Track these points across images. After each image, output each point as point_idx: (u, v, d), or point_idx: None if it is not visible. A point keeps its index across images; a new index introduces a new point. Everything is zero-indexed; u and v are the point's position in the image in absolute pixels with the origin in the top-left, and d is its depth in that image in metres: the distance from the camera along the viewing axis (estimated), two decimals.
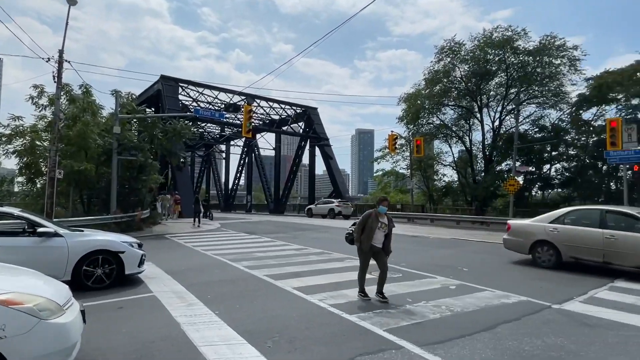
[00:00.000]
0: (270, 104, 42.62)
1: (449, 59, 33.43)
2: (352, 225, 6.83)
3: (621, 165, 22.42)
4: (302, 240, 15.27)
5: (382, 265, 6.38)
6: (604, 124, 23.72)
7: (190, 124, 26.89)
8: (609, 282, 7.90)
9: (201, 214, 23.72)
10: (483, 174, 34.38)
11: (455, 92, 34.42)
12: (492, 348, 4.40)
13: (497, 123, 34.37)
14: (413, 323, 5.26)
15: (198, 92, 38.53)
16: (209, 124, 47.33)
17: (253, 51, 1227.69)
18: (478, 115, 34.63)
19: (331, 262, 10.09)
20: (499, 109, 34.08)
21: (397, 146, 32.91)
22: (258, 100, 40.99)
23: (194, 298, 6.48)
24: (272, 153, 48.57)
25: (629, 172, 23.24)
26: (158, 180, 22.66)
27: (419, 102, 34.92)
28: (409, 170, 36.08)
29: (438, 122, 36.78)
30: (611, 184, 29.31)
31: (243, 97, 39.25)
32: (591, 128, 29.94)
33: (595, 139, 29.06)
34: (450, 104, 35.49)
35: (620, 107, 28.02)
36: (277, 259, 10.53)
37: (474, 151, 36.60)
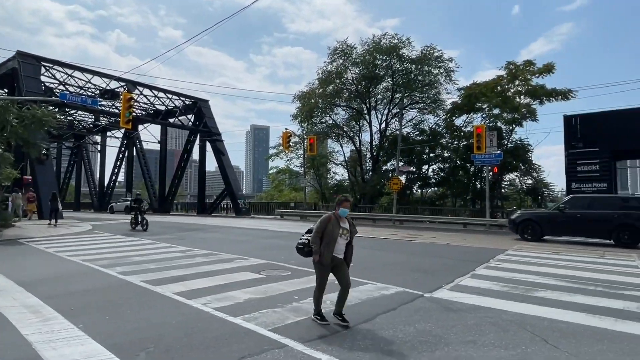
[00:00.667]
0: (156, 92, 38.95)
1: (341, 61, 34.86)
2: (307, 232, 5.40)
3: (484, 167, 25.68)
4: (189, 241, 14.47)
5: (345, 281, 5.22)
6: (472, 130, 26.90)
7: (56, 110, 23.65)
8: (472, 270, 8.89)
9: (58, 212, 21.17)
10: (371, 173, 36.60)
11: (347, 93, 36.04)
12: (371, 338, 4.58)
13: (383, 125, 36.94)
14: (299, 320, 5.24)
15: (67, 74, 33.35)
16: (80, 112, 41.90)
17: (136, 33, 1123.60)
18: (367, 117, 36.76)
19: (219, 263, 9.69)
20: (386, 112, 36.68)
21: (291, 144, 33.26)
22: (141, 88, 37.47)
23: (53, 312, 5.61)
24: (158, 147, 45.27)
25: (490, 173, 26.79)
26: (11, 175, 19.40)
27: (312, 101, 35.79)
28: (302, 168, 36.79)
29: (331, 121, 38.15)
30: (477, 183, 33.41)
31: (123, 84, 35.53)
32: (462, 133, 33.68)
33: (465, 143, 32.72)
34: (342, 104, 37.03)
35: (484, 115, 32.08)
36: (158, 262, 9.76)
37: (363, 151, 38.75)
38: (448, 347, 4.35)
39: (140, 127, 42.96)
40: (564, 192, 26.07)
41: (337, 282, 5.26)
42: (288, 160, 41.07)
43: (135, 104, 31.79)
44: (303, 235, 5.43)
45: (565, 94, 28.52)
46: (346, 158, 40.36)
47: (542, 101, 29.53)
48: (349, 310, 5.68)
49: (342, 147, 39.84)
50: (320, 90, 35.69)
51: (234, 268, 8.94)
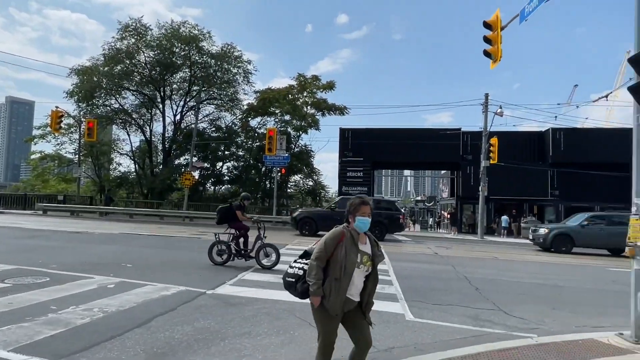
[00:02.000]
0: None
1: (133, 40, 31.66)
2: (303, 256, 3.26)
3: (274, 168, 27.57)
4: None
5: (364, 338, 3.11)
6: (265, 132, 28.47)
7: None
8: (255, 265, 9.36)
9: None
10: (162, 167, 34.45)
11: (139, 77, 33.01)
12: (143, 343, 4.28)
13: (178, 117, 35.33)
14: (54, 334, 4.45)
15: None
16: None
17: None
18: (160, 106, 34.49)
19: None
20: (182, 103, 35.21)
21: (63, 126, 28.30)
22: None
23: None
24: None
25: (279, 173, 28.91)
26: None
27: (95, 79, 31.29)
28: (77, 156, 31.63)
29: (117, 105, 34.22)
30: (267, 182, 35.50)
31: None
32: (256, 134, 35.32)
33: (258, 143, 34.43)
34: (132, 88, 33.69)
35: (277, 120, 34.44)
36: None
37: (154, 142, 36.16)
38: (224, 341, 4.47)
39: None
40: (337, 194, 30.41)
41: (349, 336, 3.16)
42: (58, 144, 34.48)
43: None
44: (296, 261, 3.27)
45: (342, 110, 33.33)
46: (134, 148, 36.76)
47: (324, 113, 33.74)
48: (121, 316, 5.18)
49: (129, 135, 36.09)
50: (106, 68, 31.49)
51: None
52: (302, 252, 3.29)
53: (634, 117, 5.30)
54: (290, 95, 33.04)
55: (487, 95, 24.91)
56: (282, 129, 32.51)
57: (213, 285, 7.10)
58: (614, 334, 5.12)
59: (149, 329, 4.73)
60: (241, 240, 9.47)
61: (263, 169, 34.33)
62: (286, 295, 6.41)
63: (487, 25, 9.92)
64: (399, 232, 19.79)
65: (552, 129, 28.01)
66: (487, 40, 9.91)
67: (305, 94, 33.49)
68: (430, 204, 46.31)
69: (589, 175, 25.97)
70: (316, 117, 33.73)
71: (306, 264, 3.10)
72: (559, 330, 5.54)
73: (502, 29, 9.75)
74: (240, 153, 36.74)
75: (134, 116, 34.85)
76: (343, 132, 30.24)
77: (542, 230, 17.63)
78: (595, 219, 17.58)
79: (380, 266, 11.29)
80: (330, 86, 32.96)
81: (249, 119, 35.63)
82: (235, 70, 34.44)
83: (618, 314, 6.37)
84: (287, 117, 33.55)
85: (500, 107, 24.30)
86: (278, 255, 9.08)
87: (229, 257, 9.30)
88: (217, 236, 9.39)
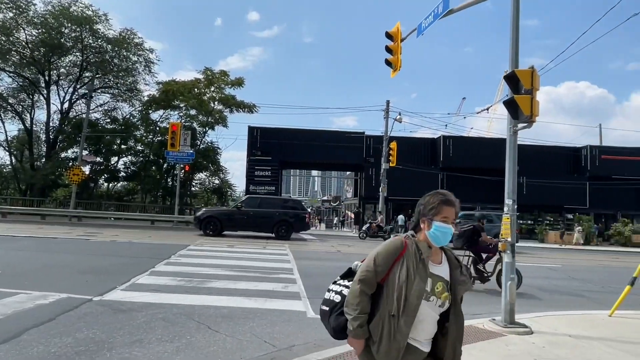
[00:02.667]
0: None
1: (11, 14, 27.67)
2: (346, 275, 2.20)
3: (177, 164, 26.17)
4: None
5: None
6: (168, 126, 26.86)
7: None
8: (151, 267, 8.77)
9: None
10: (44, 160, 30.67)
11: (18, 57, 28.92)
12: None
13: (66, 105, 31.73)
14: None
15: None
16: None
17: None
18: (45, 91, 30.63)
19: None
20: (71, 90, 31.70)
21: None
22: None
23: None
24: None
25: (182, 171, 27.54)
26: None
27: None
28: None
29: None
30: (169, 180, 33.56)
31: None
32: (157, 128, 33.15)
33: (159, 138, 32.37)
34: (8, 69, 29.44)
35: (181, 114, 32.74)
36: None
37: (36, 132, 32.13)
38: (111, 351, 4.09)
39: None
40: (244, 193, 29.91)
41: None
42: None
43: None
44: (335, 282, 2.22)
45: (250, 108, 32.81)
46: (10, 138, 32.11)
47: (232, 110, 32.92)
48: None
49: (3, 123, 31.38)
50: None
51: None
52: (346, 270, 2.23)
53: (508, 127, 6.05)
54: (196, 89, 31.60)
55: (388, 102, 26.54)
56: (186, 123, 30.97)
57: (101, 291, 6.47)
58: (488, 319, 5.77)
59: (18, 344, 4.14)
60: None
61: (165, 165, 32.37)
62: (185, 299, 6.17)
63: (388, 35, 10.52)
64: (305, 231, 20.13)
65: (443, 136, 30.80)
66: (388, 50, 10.52)
67: (212, 89, 32.27)
68: (336, 204, 47.87)
69: (473, 179, 29.07)
70: (224, 113, 32.78)
71: (347, 287, 2.07)
72: None
73: (402, 40, 10.42)
74: (140, 147, 34.15)
75: (10, 101, 30.46)
76: (252, 130, 29.86)
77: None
78: (464, 219, 19.71)
79: (283, 265, 11.09)
80: (239, 83, 32.24)
81: (150, 111, 33.33)
82: (136, 59, 31.90)
83: (493, 302, 7.22)
84: (192, 112, 32.10)
85: (400, 114, 26.09)
86: (520, 276, 7.96)
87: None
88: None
